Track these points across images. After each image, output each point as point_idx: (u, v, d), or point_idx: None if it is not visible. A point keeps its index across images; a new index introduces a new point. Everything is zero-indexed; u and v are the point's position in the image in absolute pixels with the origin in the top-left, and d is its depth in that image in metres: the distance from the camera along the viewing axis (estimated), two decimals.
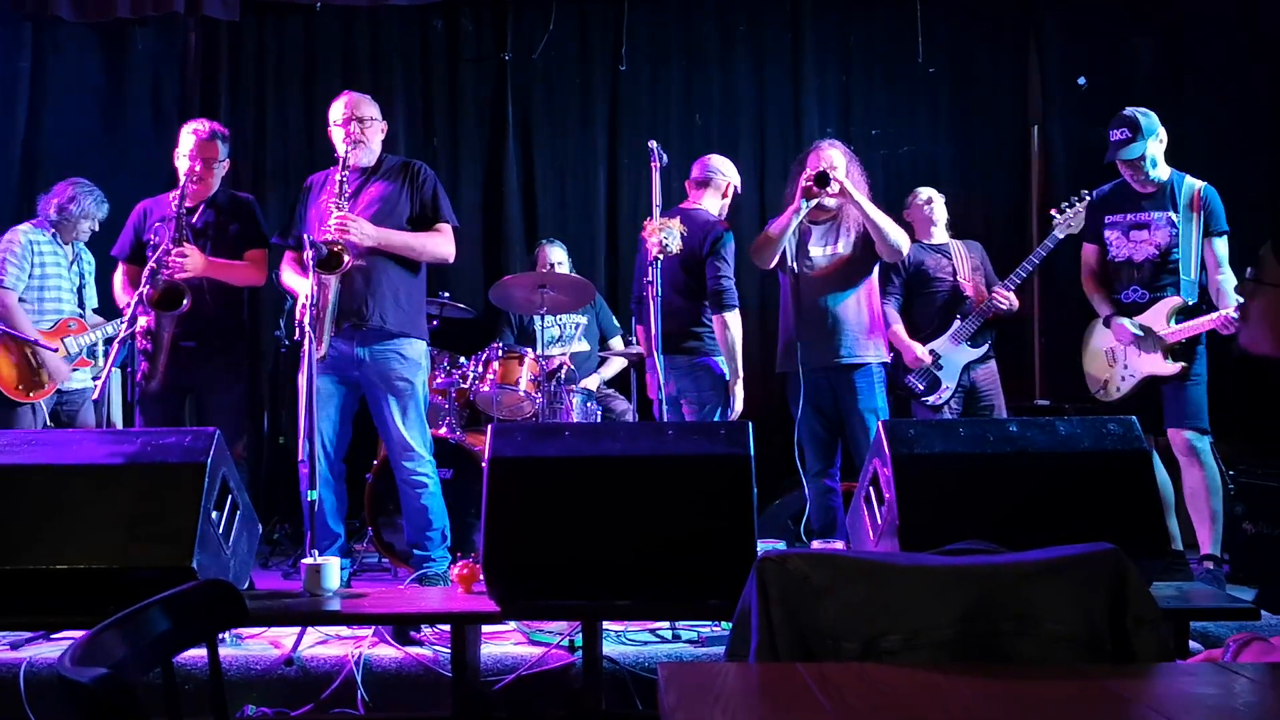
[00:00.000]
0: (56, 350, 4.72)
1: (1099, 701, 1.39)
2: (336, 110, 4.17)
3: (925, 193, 5.14)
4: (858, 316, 4.38)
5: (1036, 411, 5.52)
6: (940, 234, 5.09)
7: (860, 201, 4.29)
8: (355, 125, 4.10)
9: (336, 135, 4.14)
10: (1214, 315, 4.19)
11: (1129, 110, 4.32)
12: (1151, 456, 3.19)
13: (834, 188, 4.25)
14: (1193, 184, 4.31)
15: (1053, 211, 4.76)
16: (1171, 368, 4.24)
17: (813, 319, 4.38)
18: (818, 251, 4.44)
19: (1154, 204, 4.33)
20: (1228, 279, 4.24)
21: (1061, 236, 4.68)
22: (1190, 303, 4.26)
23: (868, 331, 4.40)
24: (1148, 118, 4.29)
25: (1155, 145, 4.29)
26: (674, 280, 4.44)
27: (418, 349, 4.14)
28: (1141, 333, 4.30)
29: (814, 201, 4.29)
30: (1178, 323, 4.25)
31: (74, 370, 4.84)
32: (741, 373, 4.44)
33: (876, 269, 4.50)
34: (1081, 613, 1.62)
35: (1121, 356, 4.40)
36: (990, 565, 1.71)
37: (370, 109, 4.19)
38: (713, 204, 4.67)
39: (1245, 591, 4.08)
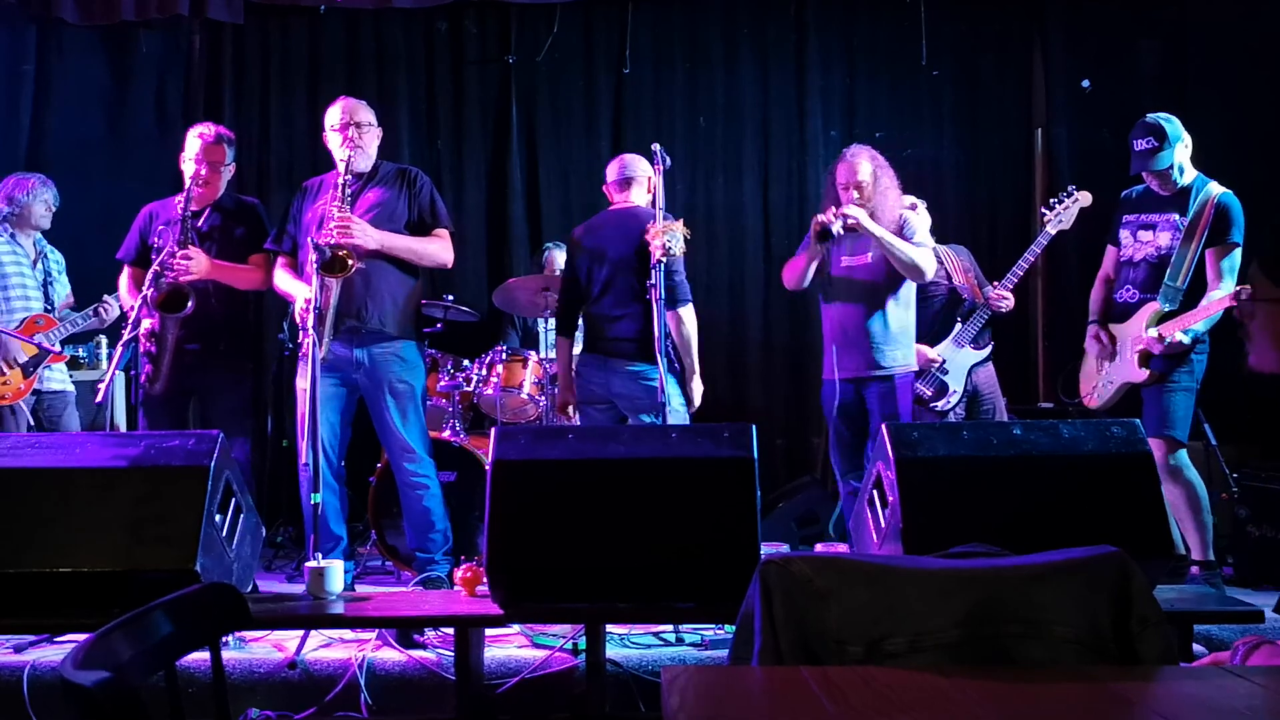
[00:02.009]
0: (29, 343, 4.60)
1: (1103, 704, 1.39)
2: (333, 115, 4.13)
3: (907, 199, 5.10)
4: (885, 327, 4.27)
5: (1040, 414, 5.50)
6: (926, 240, 5.05)
7: (871, 230, 4.15)
8: (353, 130, 4.06)
9: (333, 140, 4.11)
10: (1149, 332, 4.08)
11: (1151, 117, 4.17)
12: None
13: (838, 227, 4.14)
14: (1211, 190, 4.15)
15: (1042, 209, 4.73)
16: (1140, 374, 4.15)
17: (842, 328, 4.31)
18: (848, 261, 4.33)
19: (1168, 206, 4.21)
20: (1219, 294, 4.05)
21: (1053, 233, 4.64)
22: (1166, 309, 4.12)
23: (896, 342, 4.29)
24: (1171, 123, 4.14)
25: (1182, 150, 4.16)
26: (623, 282, 4.22)
27: (416, 351, 4.16)
28: (1106, 339, 4.28)
29: (827, 243, 4.22)
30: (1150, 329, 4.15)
31: (46, 367, 4.69)
32: (698, 368, 4.22)
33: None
34: (1085, 615, 1.62)
35: (1105, 362, 4.34)
36: (994, 568, 1.70)
37: (367, 114, 4.16)
38: (641, 201, 4.37)
39: (1250, 595, 4.06)
